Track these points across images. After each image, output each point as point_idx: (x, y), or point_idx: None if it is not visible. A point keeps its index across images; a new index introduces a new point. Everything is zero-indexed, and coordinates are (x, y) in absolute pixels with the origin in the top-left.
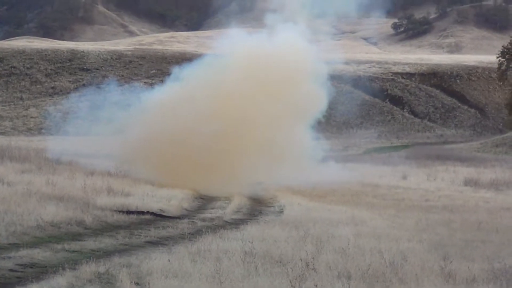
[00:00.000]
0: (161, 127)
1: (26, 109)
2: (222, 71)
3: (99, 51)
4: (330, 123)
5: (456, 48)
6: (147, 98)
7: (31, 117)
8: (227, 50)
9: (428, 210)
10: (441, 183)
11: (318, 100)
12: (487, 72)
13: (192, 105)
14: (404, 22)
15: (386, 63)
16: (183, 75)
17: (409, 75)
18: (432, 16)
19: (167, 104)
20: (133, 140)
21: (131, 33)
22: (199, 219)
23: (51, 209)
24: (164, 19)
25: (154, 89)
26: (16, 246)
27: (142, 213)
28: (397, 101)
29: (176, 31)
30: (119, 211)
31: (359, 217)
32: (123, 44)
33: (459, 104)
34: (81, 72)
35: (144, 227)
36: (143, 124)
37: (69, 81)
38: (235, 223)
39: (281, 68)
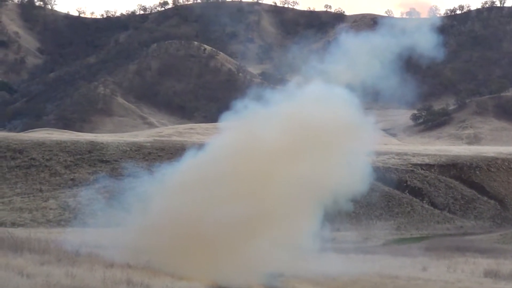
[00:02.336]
0: (178, 214)
1: (46, 201)
2: (242, 151)
3: (118, 142)
4: (350, 214)
5: (475, 139)
6: (165, 181)
7: (50, 209)
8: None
9: None
10: (461, 275)
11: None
12: (506, 163)
13: (210, 188)
14: (423, 113)
15: (406, 154)
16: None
17: (428, 166)
18: (451, 107)
19: (185, 187)
20: (151, 229)
21: (150, 125)
22: None
23: None
24: (183, 111)
25: (172, 169)
26: None
27: None
28: (416, 192)
29: (195, 123)
30: None
31: None
32: (142, 136)
33: (479, 196)
34: (100, 164)
35: None
36: (161, 213)
37: (88, 173)
38: None
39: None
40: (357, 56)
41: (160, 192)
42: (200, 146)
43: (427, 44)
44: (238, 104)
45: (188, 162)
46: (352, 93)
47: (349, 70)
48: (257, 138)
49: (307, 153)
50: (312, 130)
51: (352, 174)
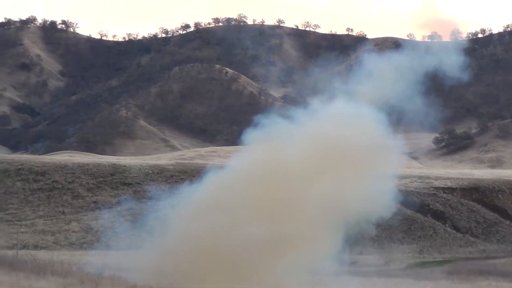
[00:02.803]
0: (199, 237)
1: (68, 223)
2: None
3: (141, 165)
4: (372, 237)
5: (497, 163)
6: (186, 204)
7: (73, 231)
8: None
9: None
10: None
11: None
12: None
13: (232, 210)
14: (445, 137)
15: (428, 177)
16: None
17: (450, 190)
18: (473, 130)
19: (205, 210)
20: (173, 252)
21: (173, 148)
22: None
23: None
24: (205, 133)
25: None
26: None
27: None
28: (439, 215)
29: (217, 146)
30: None
31: None
32: (164, 159)
33: (501, 219)
34: (122, 186)
35: None
36: (182, 235)
37: (111, 195)
38: None
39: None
40: (381, 76)
41: (180, 215)
42: (221, 168)
43: (452, 66)
44: (261, 121)
45: (209, 184)
46: (380, 112)
47: (373, 90)
48: (279, 158)
49: (331, 174)
50: (337, 150)
51: (377, 198)
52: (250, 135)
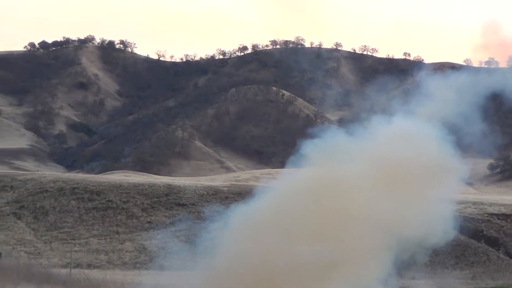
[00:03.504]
0: (251, 256)
1: (122, 243)
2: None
3: (196, 186)
4: (425, 263)
5: None
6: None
7: (127, 251)
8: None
9: None
10: None
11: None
12: None
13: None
14: (500, 163)
15: (482, 203)
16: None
17: (505, 216)
18: None
19: (257, 229)
20: (226, 272)
21: (228, 169)
22: None
23: None
24: (261, 156)
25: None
26: None
27: None
28: (492, 242)
29: (273, 168)
30: None
31: None
32: (219, 180)
33: None
34: (177, 207)
35: None
36: (233, 256)
37: (165, 216)
38: None
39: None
40: (441, 97)
41: (232, 235)
42: (274, 187)
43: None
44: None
45: (262, 203)
46: (443, 130)
47: (433, 111)
48: (335, 175)
49: (388, 194)
50: (396, 169)
51: (434, 223)
52: (307, 147)
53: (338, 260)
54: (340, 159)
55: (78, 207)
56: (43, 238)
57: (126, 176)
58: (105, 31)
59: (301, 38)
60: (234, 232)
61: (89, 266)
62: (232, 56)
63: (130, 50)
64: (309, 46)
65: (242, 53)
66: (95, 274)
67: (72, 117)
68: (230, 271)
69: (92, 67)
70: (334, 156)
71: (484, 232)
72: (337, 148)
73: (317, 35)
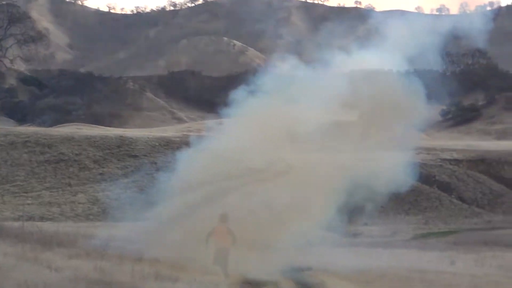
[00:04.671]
0: (201, 205)
1: (74, 195)
2: None
3: (148, 137)
4: (378, 209)
5: (504, 135)
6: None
7: (79, 203)
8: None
9: None
10: (489, 269)
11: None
12: None
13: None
14: (452, 109)
15: (434, 149)
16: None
17: (457, 162)
18: (480, 103)
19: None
20: (178, 223)
21: (180, 120)
22: None
23: None
24: (213, 106)
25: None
26: None
27: None
28: (445, 187)
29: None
30: None
31: None
32: (171, 131)
33: (507, 190)
34: (129, 159)
35: None
36: (185, 206)
37: (118, 167)
38: None
39: None
40: (397, 40)
41: (183, 185)
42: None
43: (472, 31)
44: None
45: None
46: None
47: (388, 55)
48: (290, 118)
49: (350, 138)
50: (358, 110)
51: (395, 173)
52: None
53: (296, 209)
54: (297, 93)
55: (30, 160)
56: None
57: (78, 128)
58: None
59: None
60: (183, 181)
61: (41, 218)
62: (183, 7)
63: (80, 3)
64: None
65: (193, 4)
66: (48, 226)
67: (22, 71)
68: (183, 221)
69: (42, 20)
70: (290, 89)
71: (437, 178)
72: (292, 83)
73: None
